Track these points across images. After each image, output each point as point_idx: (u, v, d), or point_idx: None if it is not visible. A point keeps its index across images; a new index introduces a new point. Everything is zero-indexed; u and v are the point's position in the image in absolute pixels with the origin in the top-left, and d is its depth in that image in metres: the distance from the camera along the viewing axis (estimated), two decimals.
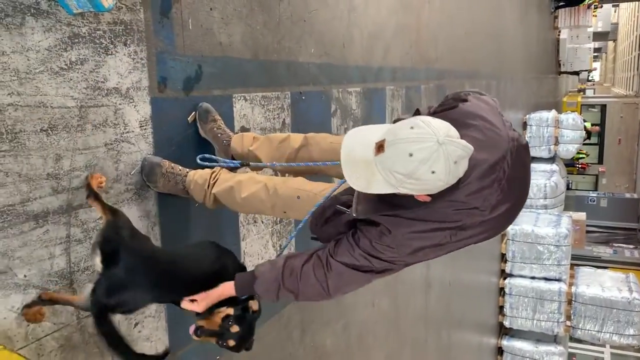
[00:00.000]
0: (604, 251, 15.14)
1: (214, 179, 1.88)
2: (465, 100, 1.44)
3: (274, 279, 1.52)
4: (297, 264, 1.51)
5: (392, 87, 4.06)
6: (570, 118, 10.40)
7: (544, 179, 9.53)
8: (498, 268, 9.03)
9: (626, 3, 28.03)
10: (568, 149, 10.42)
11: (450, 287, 6.12)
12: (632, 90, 25.56)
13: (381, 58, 3.85)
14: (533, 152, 9.87)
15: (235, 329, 1.55)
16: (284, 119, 2.62)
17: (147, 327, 1.86)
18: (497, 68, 8.90)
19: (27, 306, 1.44)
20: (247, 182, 1.84)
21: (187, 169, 1.91)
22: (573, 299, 8.43)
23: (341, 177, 1.88)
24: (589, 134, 12.43)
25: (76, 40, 1.54)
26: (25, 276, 1.43)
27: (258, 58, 2.41)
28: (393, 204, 1.36)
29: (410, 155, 1.17)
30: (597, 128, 19.35)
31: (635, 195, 18.26)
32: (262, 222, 2.54)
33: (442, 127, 1.20)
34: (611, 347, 11.98)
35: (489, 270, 8.51)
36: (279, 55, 2.58)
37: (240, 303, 1.59)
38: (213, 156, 2.00)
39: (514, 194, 1.39)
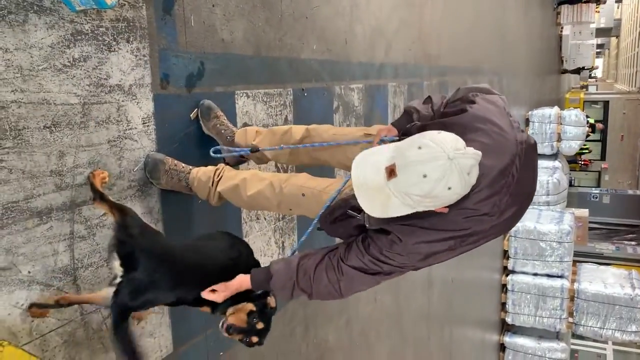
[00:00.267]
0: (607, 248, 15.12)
1: (217, 176, 1.89)
2: (473, 102, 1.43)
3: (289, 278, 1.55)
4: (311, 265, 1.54)
5: (395, 83, 4.06)
6: (573, 114, 10.38)
7: (546, 175, 9.52)
8: (500, 265, 9.03)
9: None
10: (570, 146, 10.39)
11: (453, 284, 6.12)
12: (634, 86, 25.48)
13: (383, 54, 3.84)
14: None
15: (260, 325, 1.60)
16: (286, 116, 2.62)
17: (150, 323, 1.87)
18: (500, 64, 8.88)
19: (39, 306, 1.45)
20: (251, 179, 1.84)
21: (190, 167, 1.91)
22: (575, 295, 8.43)
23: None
24: (592, 127, 12.39)
25: (79, 38, 1.54)
26: (29, 272, 1.44)
27: (260, 55, 2.41)
28: (407, 214, 1.36)
29: (425, 176, 1.18)
30: (601, 126, 19.31)
31: (638, 192, 18.23)
32: (265, 218, 2.55)
33: (449, 142, 1.20)
34: (613, 343, 11.98)
35: (491, 267, 8.51)
36: (281, 51, 2.58)
37: (257, 298, 1.62)
38: (224, 147, 2.01)
39: (521, 196, 1.40)
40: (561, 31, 20.48)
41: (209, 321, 2.15)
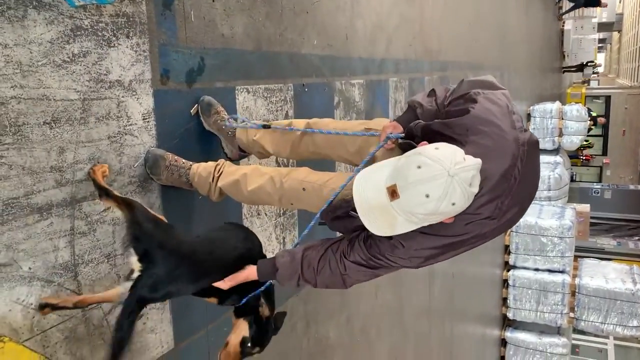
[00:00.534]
0: (608, 243, 15.11)
1: (218, 172, 1.88)
2: (475, 102, 1.42)
3: (294, 271, 1.59)
4: (314, 257, 1.57)
5: (396, 78, 4.05)
6: (575, 109, 10.36)
7: (547, 170, 9.52)
8: (502, 260, 9.03)
9: None
10: (572, 141, 10.38)
11: (454, 279, 6.13)
12: (637, 81, 25.43)
13: (384, 50, 3.83)
14: None
15: (255, 350, 1.65)
16: (287, 111, 2.62)
17: (151, 319, 1.87)
18: (501, 59, 8.86)
19: (53, 307, 1.46)
20: (252, 174, 1.84)
21: (191, 162, 1.91)
22: (577, 290, 8.44)
23: (346, 162, 1.90)
24: (594, 120, 12.37)
25: (78, 33, 1.53)
26: (29, 269, 1.44)
27: (261, 50, 2.40)
28: None
29: (427, 196, 1.19)
30: (603, 119, 19.29)
31: None
32: (266, 214, 2.55)
33: (448, 157, 1.20)
34: (615, 338, 11.99)
35: (492, 262, 8.51)
36: (282, 46, 2.57)
37: (250, 310, 1.66)
38: (239, 116, 2.04)
39: (523, 196, 1.40)
40: (563, 26, 20.42)
41: (210, 316, 2.15)
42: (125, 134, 1.72)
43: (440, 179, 1.17)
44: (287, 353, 2.79)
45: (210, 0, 2.07)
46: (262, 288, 1.67)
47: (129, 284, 1.45)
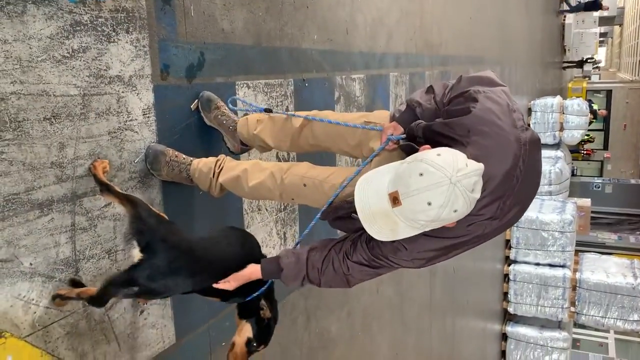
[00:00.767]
0: (609, 237, 15.12)
1: (219, 167, 1.88)
2: (476, 101, 1.40)
3: (299, 271, 1.60)
4: (318, 259, 1.58)
5: (396, 73, 4.04)
6: (575, 104, 10.34)
7: (548, 165, 9.51)
8: (502, 255, 9.04)
9: None
10: (573, 135, 10.37)
11: (455, 274, 6.14)
12: (638, 75, 25.37)
13: (385, 44, 3.82)
14: None
15: (261, 348, 1.69)
16: (287, 106, 2.61)
17: (152, 315, 1.88)
18: (502, 54, 8.84)
19: (62, 298, 1.49)
20: (252, 170, 1.84)
21: (191, 158, 1.91)
22: (577, 285, 8.45)
23: (346, 154, 1.90)
24: (594, 114, 12.35)
25: (78, 28, 1.53)
26: (31, 264, 1.44)
27: (260, 45, 2.40)
28: None
29: (429, 204, 1.19)
30: (604, 112, 19.26)
31: None
32: (266, 209, 2.55)
33: (450, 163, 1.19)
34: (615, 332, 12.02)
35: (493, 257, 8.52)
36: (282, 41, 2.56)
37: (252, 312, 1.69)
38: (241, 99, 2.05)
39: (524, 195, 1.40)
40: (564, 19, 20.35)
41: (211, 312, 2.16)
42: (126, 129, 1.72)
43: (443, 187, 1.17)
44: (288, 347, 2.80)
45: None
46: (265, 287, 1.69)
47: None
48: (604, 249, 13.56)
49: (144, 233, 1.46)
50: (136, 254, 1.45)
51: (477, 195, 1.23)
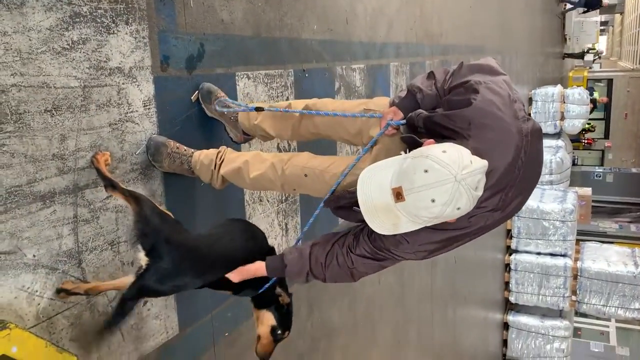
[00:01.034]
0: (610, 226, 15.12)
1: (220, 159, 1.89)
2: (477, 92, 1.39)
3: (303, 267, 1.60)
4: (321, 253, 1.58)
5: (397, 63, 4.03)
6: (576, 93, 10.30)
7: (549, 154, 9.49)
8: (504, 244, 9.06)
9: None
10: (574, 124, 10.34)
11: (456, 264, 6.15)
12: (639, 63, 25.27)
13: (385, 34, 3.81)
14: None
15: (286, 334, 1.70)
16: (288, 97, 2.61)
17: (156, 305, 1.89)
18: (503, 43, 8.80)
19: (68, 292, 1.50)
20: (254, 161, 1.84)
21: (192, 149, 1.91)
22: (579, 274, 8.46)
23: (347, 142, 1.89)
24: (594, 102, 12.30)
25: (77, 20, 1.53)
26: (34, 256, 1.45)
27: (260, 35, 2.39)
28: None
29: (433, 201, 1.19)
30: (605, 99, 19.19)
31: None
32: (268, 200, 2.55)
33: (455, 161, 1.18)
34: (616, 321, 12.05)
35: (494, 246, 8.53)
36: (282, 32, 2.56)
37: (271, 299, 1.69)
38: (228, 100, 2.02)
39: (526, 186, 1.40)
40: (564, 8, 20.22)
41: (214, 302, 2.17)
42: (127, 121, 1.72)
43: (447, 185, 1.17)
44: (291, 337, 2.81)
45: None
46: (275, 279, 1.69)
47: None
48: (605, 237, 13.56)
49: (148, 235, 1.47)
50: (142, 258, 1.46)
51: (480, 192, 1.24)
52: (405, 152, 1.44)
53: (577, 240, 9.09)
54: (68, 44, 1.50)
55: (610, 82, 21.86)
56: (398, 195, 1.22)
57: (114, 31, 1.65)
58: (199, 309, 2.11)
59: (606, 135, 21.88)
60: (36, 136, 1.43)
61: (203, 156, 1.89)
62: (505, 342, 9.42)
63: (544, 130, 10.25)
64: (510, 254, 8.93)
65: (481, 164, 1.22)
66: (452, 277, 6.16)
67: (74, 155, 1.54)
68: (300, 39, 2.72)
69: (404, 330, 4.72)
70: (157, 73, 1.83)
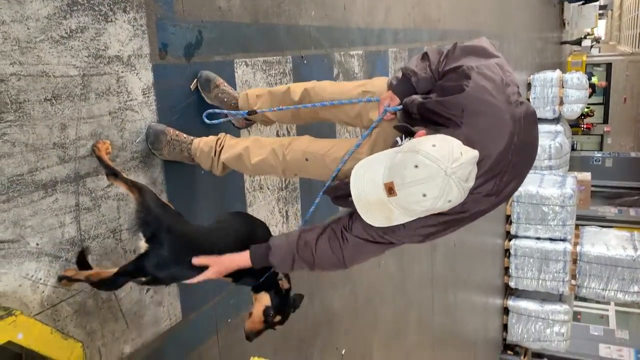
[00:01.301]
0: (609, 211, 15.16)
1: (219, 145, 1.89)
2: (469, 78, 1.38)
3: (289, 251, 1.56)
4: (312, 236, 1.55)
5: (395, 49, 4.01)
6: (575, 77, 10.27)
7: (548, 139, 9.48)
8: (503, 230, 9.08)
9: None
10: (573, 109, 10.32)
11: (456, 249, 6.18)
12: (638, 47, 25.15)
13: (383, 19, 3.79)
14: (537, 113, 9.75)
15: (277, 318, 1.67)
16: (286, 84, 2.60)
17: (159, 293, 1.90)
18: (501, 27, 8.76)
19: (69, 279, 1.51)
20: (254, 147, 1.84)
21: (192, 137, 1.92)
22: (578, 258, 8.49)
23: (347, 125, 1.88)
24: (593, 87, 12.24)
25: (75, 8, 1.52)
26: (37, 244, 1.46)
27: (258, 22, 2.38)
28: None
29: (424, 195, 1.20)
30: (604, 83, 19.13)
31: None
32: (268, 188, 2.56)
33: (445, 155, 1.19)
34: (616, 304, 12.13)
35: (494, 232, 8.56)
36: (279, 18, 2.55)
37: (270, 284, 1.68)
38: (217, 110, 2.03)
39: (520, 170, 1.40)
40: None
41: (217, 289, 2.18)
42: (126, 109, 1.72)
43: (437, 179, 1.18)
44: (292, 324, 2.82)
45: None
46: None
47: None
48: (604, 222, 13.60)
49: (150, 223, 1.48)
50: (142, 246, 1.47)
51: (471, 183, 1.25)
52: (402, 139, 1.44)
53: (577, 225, 9.11)
54: (66, 33, 1.50)
55: (609, 66, 21.78)
56: (390, 190, 1.24)
57: (111, 19, 1.64)
58: (202, 297, 2.13)
59: (605, 120, 21.83)
60: (36, 125, 1.44)
61: (203, 143, 1.90)
62: (505, 327, 9.48)
63: (542, 116, 10.26)
64: (509, 240, 8.96)
65: (471, 155, 1.23)
66: (452, 262, 6.19)
67: (74, 144, 1.55)
68: (298, 25, 2.71)
69: (404, 315, 4.75)
70: (156, 61, 1.83)
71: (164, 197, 1.91)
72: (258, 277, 1.68)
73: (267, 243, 1.60)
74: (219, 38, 2.14)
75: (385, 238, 1.48)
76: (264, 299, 1.67)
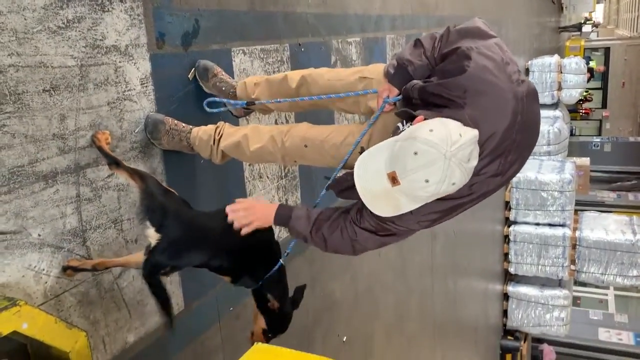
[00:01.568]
0: (608, 196, 15.18)
1: (218, 134, 1.89)
2: (469, 58, 1.37)
3: (305, 229, 1.59)
4: (325, 222, 1.57)
5: (393, 35, 4.00)
6: (574, 62, 10.24)
7: (547, 125, 9.47)
8: (502, 216, 9.10)
9: None
10: (571, 94, 10.30)
11: (455, 236, 6.19)
12: (636, 31, 25.04)
13: (380, 6, 3.77)
14: None
15: (277, 335, 1.75)
16: (284, 72, 2.59)
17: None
18: (499, 12, 8.73)
19: (74, 269, 1.52)
20: (253, 134, 1.84)
21: (191, 126, 1.92)
22: (577, 243, 8.52)
23: (345, 112, 1.87)
24: (591, 71, 12.19)
25: None
26: (39, 235, 1.46)
27: (255, 10, 2.37)
28: None
29: (427, 181, 1.19)
30: (603, 68, 19.06)
31: (639, 139, 18.15)
32: (268, 177, 2.56)
33: (443, 139, 1.19)
34: (615, 288, 12.19)
35: (493, 218, 8.58)
36: (276, 6, 2.54)
37: (261, 279, 1.71)
38: (217, 99, 2.03)
39: (524, 149, 1.40)
40: None
41: (218, 278, 2.19)
42: (125, 99, 1.72)
43: (438, 164, 1.18)
44: (294, 311, 2.85)
45: None
46: (275, 268, 1.71)
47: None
48: (603, 207, 13.62)
49: (156, 211, 1.48)
50: (152, 234, 1.48)
51: (474, 162, 1.24)
52: (402, 124, 1.44)
53: (576, 210, 9.13)
54: (63, 23, 1.50)
55: (607, 50, 21.68)
56: (393, 179, 1.24)
57: (108, 9, 1.64)
58: (204, 285, 2.14)
59: (604, 105, 21.78)
60: (36, 116, 1.44)
61: (201, 132, 1.90)
62: (505, 313, 9.54)
63: (541, 101, 10.20)
64: (509, 226, 8.98)
65: (471, 135, 1.22)
66: (452, 250, 6.21)
67: (74, 135, 1.55)
68: (295, 12, 2.70)
69: (405, 303, 4.78)
70: (153, 50, 1.82)
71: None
72: (257, 279, 1.70)
73: (291, 211, 1.62)
74: (216, 26, 2.13)
75: (394, 227, 1.48)
76: (261, 320, 1.72)
